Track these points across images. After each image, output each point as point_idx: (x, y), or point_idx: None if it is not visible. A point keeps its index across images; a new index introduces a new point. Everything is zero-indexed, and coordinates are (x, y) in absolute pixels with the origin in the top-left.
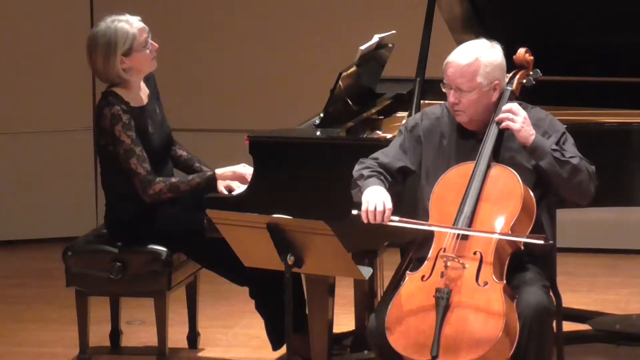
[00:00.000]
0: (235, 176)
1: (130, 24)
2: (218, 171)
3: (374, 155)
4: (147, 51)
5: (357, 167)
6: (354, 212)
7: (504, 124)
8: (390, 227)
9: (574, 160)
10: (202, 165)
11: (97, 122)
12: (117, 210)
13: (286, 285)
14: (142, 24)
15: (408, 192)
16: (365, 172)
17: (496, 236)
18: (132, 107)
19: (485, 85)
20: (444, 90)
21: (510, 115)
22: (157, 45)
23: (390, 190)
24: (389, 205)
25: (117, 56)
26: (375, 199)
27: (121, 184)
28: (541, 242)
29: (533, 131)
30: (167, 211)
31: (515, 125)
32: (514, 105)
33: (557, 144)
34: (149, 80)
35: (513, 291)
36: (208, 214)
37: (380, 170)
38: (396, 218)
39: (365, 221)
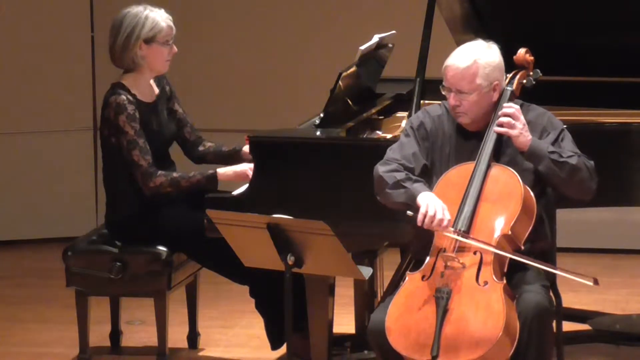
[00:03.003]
0: (237, 176)
1: (162, 17)
2: (220, 170)
3: (393, 156)
4: (166, 49)
5: (384, 167)
6: (410, 213)
7: (502, 130)
8: (442, 236)
9: (572, 160)
10: (229, 149)
11: (102, 111)
12: (117, 207)
13: (286, 285)
14: (171, 23)
15: None
16: (411, 175)
17: (546, 267)
18: (139, 100)
19: (485, 86)
20: (443, 93)
21: (512, 122)
22: (176, 49)
23: None
24: (449, 216)
25: (139, 40)
26: (436, 206)
27: (122, 180)
28: (590, 283)
29: (530, 136)
30: (167, 211)
31: (513, 132)
32: (516, 110)
33: (555, 141)
34: (160, 81)
35: (513, 291)
36: (208, 214)
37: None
38: (452, 229)
39: (420, 224)
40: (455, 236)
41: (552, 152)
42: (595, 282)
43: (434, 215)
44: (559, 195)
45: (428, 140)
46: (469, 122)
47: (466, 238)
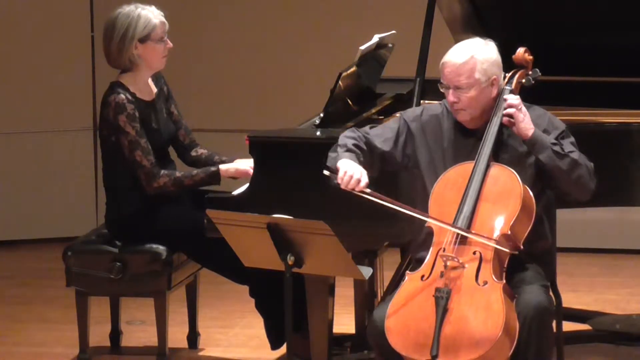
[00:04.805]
0: (238, 173)
1: (154, 14)
2: (222, 167)
3: (367, 130)
4: (162, 46)
5: (347, 132)
6: (326, 172)
7: (511, 112)
8: (366, 200)
9: (574, 155)
10: (222, 157)
11: (101, 111)
12: (117, 206)
13: (286, 285)
14: (163, 19)
15: (406, 191)
16: (349, 145)
17: (471, 235)
18: (138, 99)
19: (484, 81)
20: (442, 90)
21: (519, 106)
22: (171, 44)
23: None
24: (366, 178)
25: (134, 40)
26: (353, 169)
27: (122, 179)
28: (515, 252)
29: (532, 125)
30: (167, 210)
31: (519, 115)
32: (520, 101)
33: (556, 139)
34: (158, 80)
35: (512, 291)
36: (208, 214)
37: (364, 148)
38: (368, 190)
39: (337, 181)
40: (449, 227)
41: (555, 144)
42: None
43: (351, 176)
44: (558, 194)
45: (413, 138)
46: (468, 118)
47: (467, 232)
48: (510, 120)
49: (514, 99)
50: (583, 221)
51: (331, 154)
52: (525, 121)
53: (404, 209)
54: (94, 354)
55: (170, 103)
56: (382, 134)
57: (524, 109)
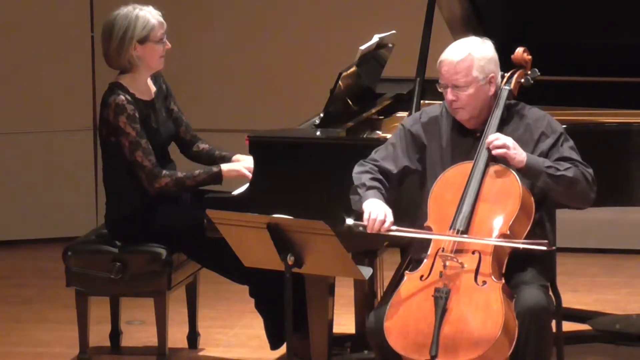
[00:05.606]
0: (240, 175)
1: (152, 15)
2: (224, 167)
3: (374, 157)
4: (161, 47)
5: (357, 168)
6: (349, 222)
7: (500, 152)
8: (390, 235)
9: (569, 173)
10: (222, 152)
11: (101, 111)
12: (117, 206)
13: (286, 285)
14: (162, 19)
15: (407, 192)
16: (367, 181)
17: (499, 242)
18: (137, 99)
19: (482, 79)
20: (440, 90)
21: (502, 143)
22: (170, 45)
23: (388, 199)
24: (390, 217)
25: (132, 41)
26: (377, 210)
27: (122, 179)
28: (543, 247)
29: (524, 153)
30: (167, 210)
31: (510, 153)
32: (499, 135)
33: (554, 145)
34: (157, 79)
35: (512, 291)
36: (208, 214)
37: (380, 177)
38: (394, 227)
39: (362, 228)
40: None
41: (549, 167)
42: (548, 245)
43: (375, 219)
44: (558, 205)
45: (421, 140)
46: (467, 117)
47: (463, 238)
48: (507, 154)
49: (494, 139)
50: (583, 221)
51: (353, 197)
52: (517, 154)
53: (430, 235)
54: (94, 354)
55: (170, 100)
56: (388, 155)
57: (509, 143)
